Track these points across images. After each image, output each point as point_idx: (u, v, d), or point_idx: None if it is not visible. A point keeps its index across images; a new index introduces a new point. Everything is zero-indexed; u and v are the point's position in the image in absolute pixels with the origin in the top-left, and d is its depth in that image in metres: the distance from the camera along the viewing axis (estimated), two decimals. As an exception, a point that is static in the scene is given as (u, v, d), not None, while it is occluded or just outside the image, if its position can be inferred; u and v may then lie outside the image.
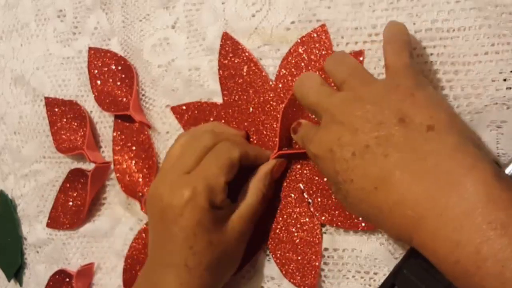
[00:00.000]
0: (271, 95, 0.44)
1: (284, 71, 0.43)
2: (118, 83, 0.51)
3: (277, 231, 0.43)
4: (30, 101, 0.57)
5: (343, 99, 0.34)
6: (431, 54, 0.38)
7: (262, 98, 0.44)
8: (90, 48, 0.53)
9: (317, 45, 0.42)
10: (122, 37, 0.52)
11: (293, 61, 0.43)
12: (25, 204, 0.57)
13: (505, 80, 0.36)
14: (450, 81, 0.38)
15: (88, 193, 0.51)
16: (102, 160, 0.52)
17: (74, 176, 0.53)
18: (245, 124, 0.45)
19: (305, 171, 0.42)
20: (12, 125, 0.58)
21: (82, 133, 0.53)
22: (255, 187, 0.41)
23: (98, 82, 0.52)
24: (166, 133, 0.49)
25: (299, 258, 0.42)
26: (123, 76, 0.51)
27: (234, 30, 0.46)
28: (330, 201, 0.41)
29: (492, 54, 0.36)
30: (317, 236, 0.42)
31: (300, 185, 0.43)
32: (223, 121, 0.46)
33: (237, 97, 0.45)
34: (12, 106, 0.58)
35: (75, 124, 0.53)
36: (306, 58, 0.42)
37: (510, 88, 0.36)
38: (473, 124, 0.37)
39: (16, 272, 0.56)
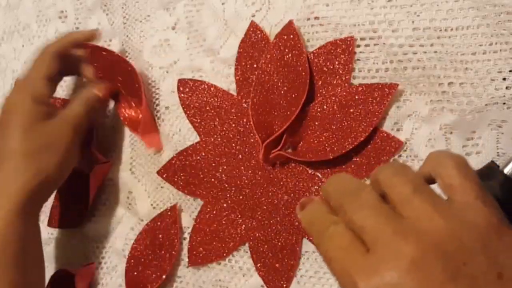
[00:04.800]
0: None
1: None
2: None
3: (259, 226, 0.44)
4: (31, 101, 0.57)
5: (411, 228, 0.25)
6: (429, 52, 0.38)
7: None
8: None
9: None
10: (122, 37, 0.53)
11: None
12: (26, 204, 0.57)
13: (504, 79, 0.36)
14: (449, 77, 0.38)
15: (90, 192, 0.51)
16: (105, 159, 0.52)
17: (71, 175, 0.53)
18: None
19: (290, 184, 0.43)
20: (13, 126, 0.58)
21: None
22: (82, 97, 0.49)
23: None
24: (167, 135, 0.49)
25: (277, 259, 0.43)
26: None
27: (234, 30, 0.46)
28: None
29: (490, 54, 0.36)
30: (298, 242, 0.42)
31: (285, 196, 0.43)
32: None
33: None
34: (14, 107, 0.58)
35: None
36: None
37: (509, 87, 0.36)
38: (474, 123, 0.37)
39: (17, 272, 0.57)
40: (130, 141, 0.52)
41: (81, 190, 0.53)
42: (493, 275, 0.24)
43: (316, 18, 0.42)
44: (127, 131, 0.52)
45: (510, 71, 0.36)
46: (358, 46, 0.41)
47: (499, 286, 0.24)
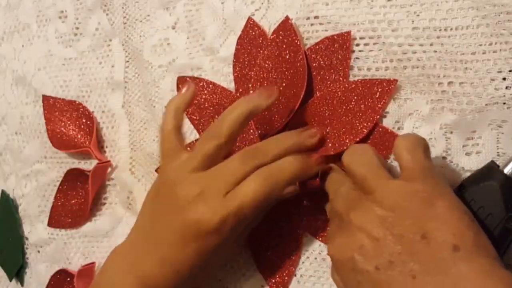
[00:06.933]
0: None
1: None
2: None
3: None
4: (31, 101, 0.57)
5: (359, 202, 0.34)
6: (429, 51, 0.38)
7: None
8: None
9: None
10: (123, 37, 0.53)
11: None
12: (26, 204, 0.57)
13: (504, 79, 0.36)
14: (449, 76, 0.38)
15: (89, 192, 0.51)
16: (105, 159, 0.52)
17: (72, 176, 0.53)
18: None
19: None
20: (13, 126, 0.58)
21: (83, 133, 0.53)
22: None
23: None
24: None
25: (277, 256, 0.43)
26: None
27: (233, 29, 0.46)
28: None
29: (490, 53, 0.36)
30: (299, 236, 0.42)
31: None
32: None
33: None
34: (14, 107, 0.58)
35: (77, 122, 0.54)
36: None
37: (509, 87, 0.36)
38: (474, 123, 0.37)
39: (17, 271, 0.57)
40: (130, 141, 0.52)
41: (81, 190, 0.53)
42: (418, 235, 0.30)
43: (316, 17, 0.43)
44: (127, 131, 0.52)
45: (510, 71, 0.36)
46: (358, 45, 0.41)
47: (421, 244, 0.30)
